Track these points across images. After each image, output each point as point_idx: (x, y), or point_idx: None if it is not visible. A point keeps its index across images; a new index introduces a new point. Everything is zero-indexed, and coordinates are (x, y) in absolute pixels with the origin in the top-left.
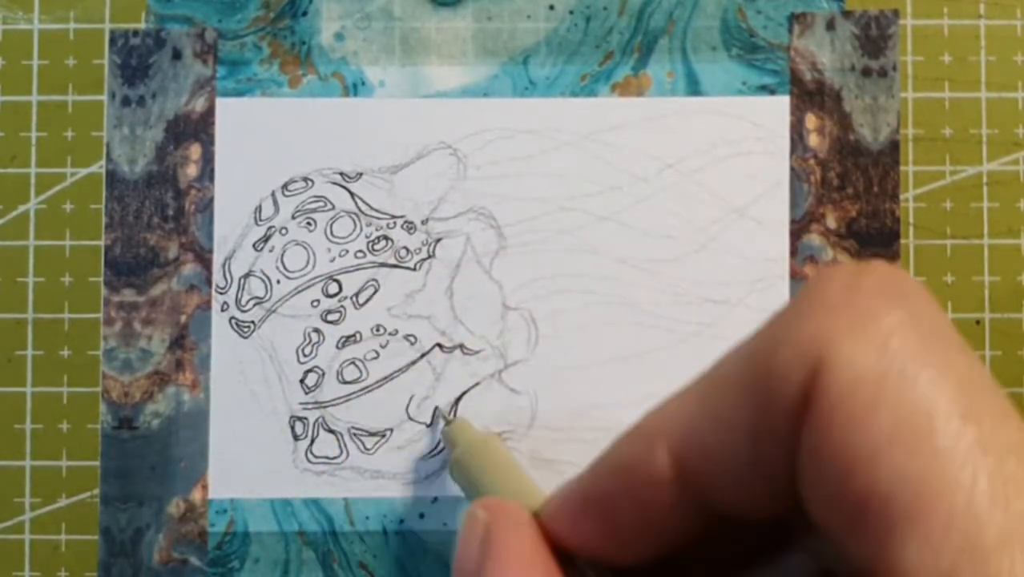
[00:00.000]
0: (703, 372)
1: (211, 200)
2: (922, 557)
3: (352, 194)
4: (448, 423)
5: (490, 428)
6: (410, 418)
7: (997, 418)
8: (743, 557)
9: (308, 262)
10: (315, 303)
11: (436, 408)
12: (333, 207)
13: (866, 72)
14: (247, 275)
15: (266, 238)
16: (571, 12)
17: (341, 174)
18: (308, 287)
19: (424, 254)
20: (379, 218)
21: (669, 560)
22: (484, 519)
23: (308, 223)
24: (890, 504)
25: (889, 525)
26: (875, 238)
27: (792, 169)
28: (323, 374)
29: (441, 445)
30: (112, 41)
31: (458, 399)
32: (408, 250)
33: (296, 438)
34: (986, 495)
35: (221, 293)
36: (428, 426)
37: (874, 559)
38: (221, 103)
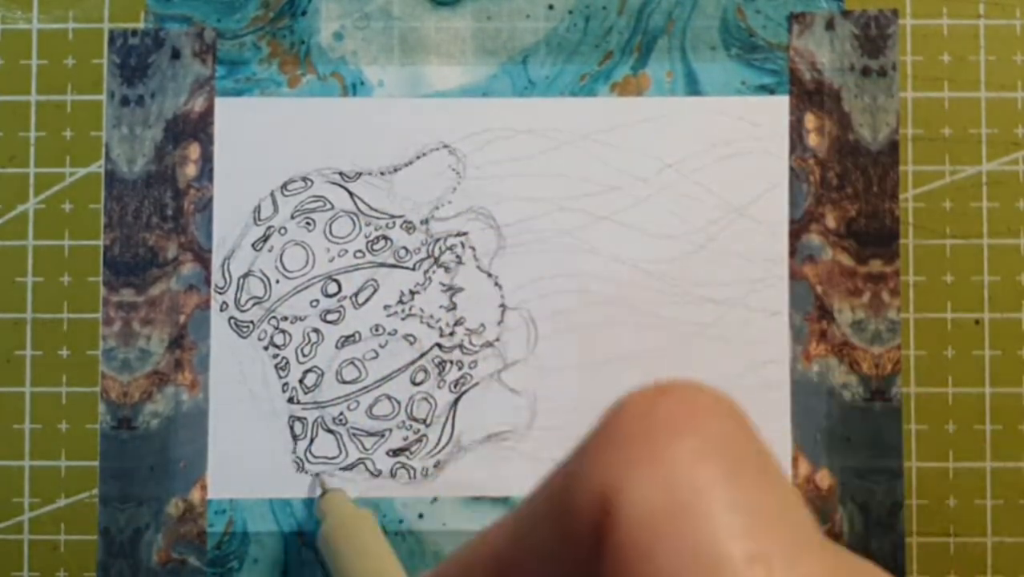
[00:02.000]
0: (526, 497)
1: (210, 200)
2: None
3: (351, 194)
4: (324, 493)
5: (357, 504)
6: (410, 418)
7: (790, 556)
8: None
9: (307, 262)
10: (314, 303)
11: (317, 475)
12: (332, 207)
13: (865, 72)
14: (246, 275)
15: (265, 238)
16: (570, 12)
17: (340, 174)
18: (307, 287)
19: (423, 254)
20: (378, 218)
21: None
22: None
23: (307, 223)
24: None
25: None
26: (874, 238)
27: (791, 169)
28: (322, 374)
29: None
30: (111, 41)
31: (457, 399)
32: (407, 250)
33: (295, 438)
34: None
35: (220, 293)
36: (308, 495)
37: None
38: (220, 103)
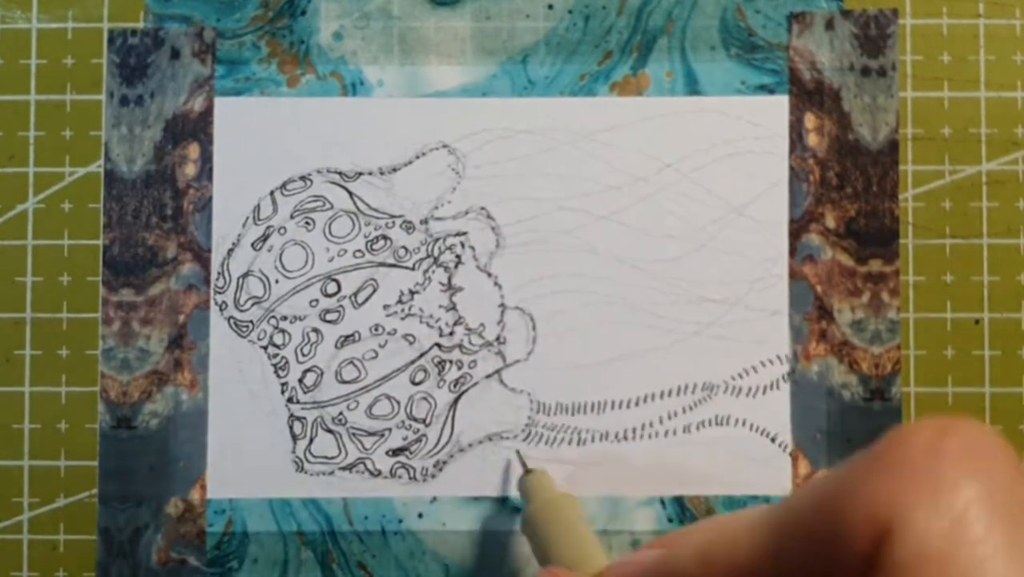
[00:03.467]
0: (777, 506)
1: (209, 199)
2: None
3: (351, 194)
4: (527, 472)
5: (550, 475)
6: (409, 418)
7: None
8: None
9: (307, 262)
10: (314, 303)
11: (518, 451)
12: (332, 207)
13: (865, 72)
14: (246, 275)
15: (264, 237)
16: (570, 11)
17: (340, 174)
18: (307, 287)
19: (423, 254)
20: (378, 218)
21: None
22: None
23: (307, 223)
24: None
25: None
26: (874, 238)
27: (791, 169)
28: (322, 374)
29: (450, 444)
30: (111, 40)
31: (457, 399)
32: (407, 250)
33: (295, 438)
34: None
35: (219, 293)
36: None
37: None
38: (219, 102)
